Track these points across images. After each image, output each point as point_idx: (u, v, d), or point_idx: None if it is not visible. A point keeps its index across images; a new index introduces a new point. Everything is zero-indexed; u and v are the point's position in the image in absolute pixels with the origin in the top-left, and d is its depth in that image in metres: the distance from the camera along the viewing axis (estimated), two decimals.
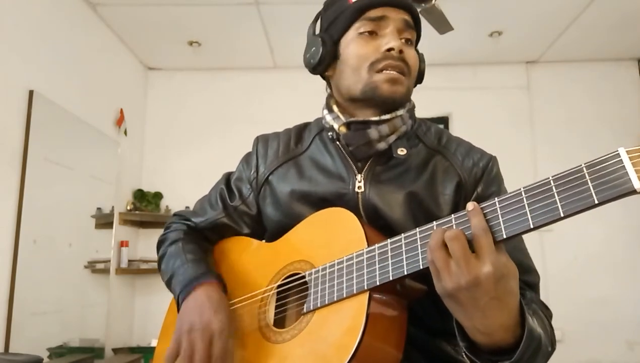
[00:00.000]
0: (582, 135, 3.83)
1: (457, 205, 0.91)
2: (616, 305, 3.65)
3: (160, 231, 1.13)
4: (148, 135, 4.07)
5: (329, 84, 1.05)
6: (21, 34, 2.55)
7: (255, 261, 0.98)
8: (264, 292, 0.91)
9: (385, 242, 0.75)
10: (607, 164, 0.56)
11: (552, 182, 0.60)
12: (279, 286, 0.89)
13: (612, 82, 3.99)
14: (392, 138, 0.93)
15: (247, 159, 1.09)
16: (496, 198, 0.65)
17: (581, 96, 3.98)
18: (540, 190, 0.61)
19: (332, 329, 0.76)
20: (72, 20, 3.03)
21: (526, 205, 0.62)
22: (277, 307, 0.89)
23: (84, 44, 3.17)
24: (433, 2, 2.54)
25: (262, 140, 1.09)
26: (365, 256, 0.77)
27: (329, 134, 0.99)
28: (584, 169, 0.58)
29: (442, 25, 2.72)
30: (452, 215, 0.69)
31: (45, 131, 2.67)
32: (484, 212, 0.65)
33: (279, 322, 0.88)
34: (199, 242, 1.05)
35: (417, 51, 1.00)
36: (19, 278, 2.43)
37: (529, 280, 0.88)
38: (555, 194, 0.60)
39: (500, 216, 0.64)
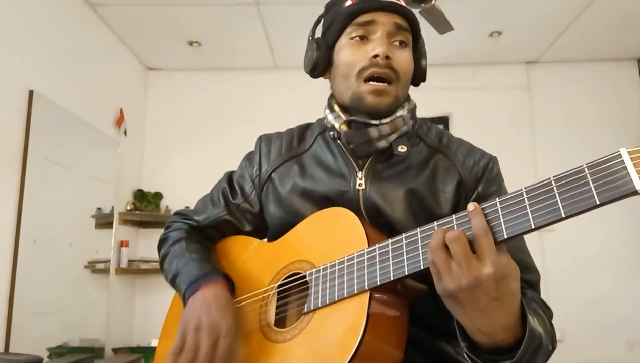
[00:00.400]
0: (582, 135, 3.83)
1: (458, 204, 0.91)
2: (616, 305, 3.65)
3: (161, 231, 1.13)
4: (148, 135, 4.07)
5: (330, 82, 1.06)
6: (21, 34, 2.55)
7: (256, 261, 0.98)
8: (265, 291, 0.91)
9: (386, 242, 0.75)
10: (608, 164, 0.56)
11: (553, 182, 0.60)
12: (280, 286, 0.89)
13: (612, 82, 3.99)
14: (393, 136, 0.94)
15: (249, 157, 1.10)
16: (497, 199, 0.65)
17: (581, 96, 3.98)
18: (541, 190, 0.61)
19: (332, 329, 0.76)
20: (72, 20, 3.03)
21: (527, 206, 0.62)
22: (277, 307, 0.89)
23: (84, 44, 3.17)
24: (433, 2, 2.54)
25: (265, 139, 1.09)
26: (366, 256, 0.77)
27: (331, 132, 1.00)
28: (586, 169, 0.58)
29: (442, 25, 2.72)
30: (453, 215, 0.69)
31: (45, 131, 2.67)
32: (485, 212, 0.65)
33: (280, 322, 0.88)
34: (202, 241, 1.05)
35: (420, 49, 1.00)
36: (19, 278, 2.43)
37: (529, 278, 0.88)
38: (557, 195, 0.60)
39: (501, 216, 0.64)
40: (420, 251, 0.70)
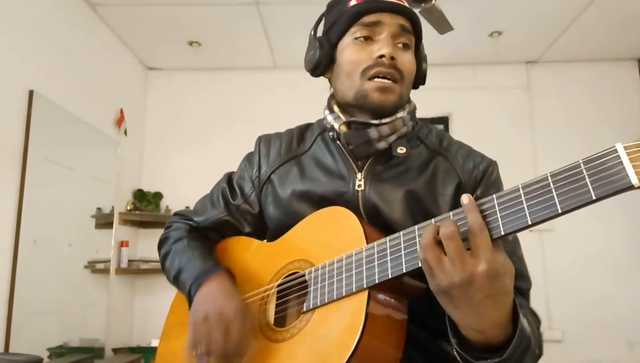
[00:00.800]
0: (582, 135, 3.83)
1: (456, 207, 0.90)
2: (616, 305, 3.65)
3: (161, 231, 1.13)
4: (148, 135, 4.07)
5: (330, 83, 1.05)
6: (21, 34, 2.56)
7: (255, 260, 0.98)
8: (264, 291, 0.91)
9: (384, 241, 0.75)
10: (604, 159, 0.56)
11: (549, 178, 0.61)
12: (279, 285, 0.90)
13: (612, 82, 3.99)
14: (392, 138, 0.94)
15: (249, 158, 1.10)
16: (494, 195, 0.65)
17: (581, 96, 3.98)
18: (538, 186, 0.61)
19: (331, 327, 0.76)
20: (72, 20, 3.03)
21: (524, 201, 0.62)
22: (277, 306, 0.89)
23: (84, 44, 3.17)
24: (433, 2, 2.54)
25: (265, 140, 1.09)
26: (364, 254, 0.77)
27: (330, 133, 1.00)
28: (582, 164, 0.58)
29: (442, 25, 2.72)
30: (450, 212, 0.69)
31: (45, 131, 2.67)
32: (482, 208, 0.65)
33: (279, 321, 0.88)
34: (202, 240, 1.05)
35: (420, 52, 1.00)
36: (19, 278, 2.43)
37: (520, 286, 0.88)
38: (553, 190, 0.60)
39: (498, 212, 0.64)
40: (418, 249, 0.70)
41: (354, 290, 0.75)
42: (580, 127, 3.88)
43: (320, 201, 0.93)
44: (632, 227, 3.74)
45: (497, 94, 4.03)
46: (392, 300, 0.77)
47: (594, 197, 0.56)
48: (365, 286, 0.74)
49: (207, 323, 0.83)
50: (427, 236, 0.66)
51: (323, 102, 1.04)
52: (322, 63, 0.99)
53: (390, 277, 0.72)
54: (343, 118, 0.97)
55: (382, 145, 0.93)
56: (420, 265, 0.69)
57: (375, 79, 0.91)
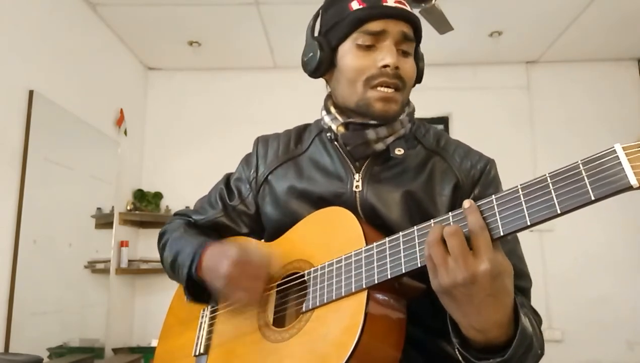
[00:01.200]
0: (582, 135, 3.83)
1: (454, 207, 0.91)
2: (616, 305, 3.65)
3: None
4: (148, 135, 4.07)
5: (328, 84, 1.05)
6: (21, 34, 2.56)
7: None
8: (264, 291, 0.91)
9: (384, 241, 0.75)
10: (603, 160, 0.56)
11: (548, 178, 0.61)
12: (279, 285, 0.90)
13: (612, 82, 3.99)
14: (390, 139, 0.94)
15: (247, 159, 1.10)
16: (493, 196, 0.65)
17: (581, 96, 3.98)
18: (537, 187, 0.61)
19: (331, 328, 0.76)
20: (72, 20, 3.03)
21: (523, 202, 0.62)
22: (276, 306, 0.89)
23: (84, 44, 3.17)
24: (433, 2, 2.54)
25: (262, 141, 1.09)
26: (363, 255, 0.77)
27: (328, 134, 1.00)
28: (581, 165, 0.58)
29: (442, 25, 2.72)
30: (450, 213, 0.69)
31: (45, 131, 2.67)
32: (481, 209, 0.65)
33: (279, 321, 0.88)
34: (201, 231, 1.06)
35: (418, 52, 0.99)
36: (19, 278, 2.44)
37: (520, 285, 0.88)
38: (552, 191, 0.60)
39: (497, 213, 0.64)
40: (417, 249, 0.70)
41: (353, 290, 0.76)
42: (580, 127, 3.88)
43: (318, 202, 0.93)
44: (632, 227, 3.74)
45: (497, 94, 4.03)
46: (391, 300, 0.77)
47: (592, 198, 0.56)
48: (364, 286, 0.74)
49: (229, 275, 0.84)
50: (435, 233, 0.66)
51: (322, 102, 1.04)
52: (322, 66, 0.97)
53: (389, 277, 0.72)
54: (340, 119, 0.97)
55: (380, 146, 0.93)
56: (419, 265, 0.70)
57: (379, 88, 0.90)
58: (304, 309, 0.82)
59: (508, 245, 0.86)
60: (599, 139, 3.74)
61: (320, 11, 1.02)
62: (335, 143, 0.99)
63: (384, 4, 0.90)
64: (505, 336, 0.67)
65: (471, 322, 0.66)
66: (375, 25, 0.90)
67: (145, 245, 3.87)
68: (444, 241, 0.65)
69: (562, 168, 0.60)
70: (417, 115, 1.02)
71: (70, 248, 2.94)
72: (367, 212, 0.91)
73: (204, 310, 1.02)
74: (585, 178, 0.57)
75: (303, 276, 0.85)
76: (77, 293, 3.04)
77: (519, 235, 0.74)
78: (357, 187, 0.93)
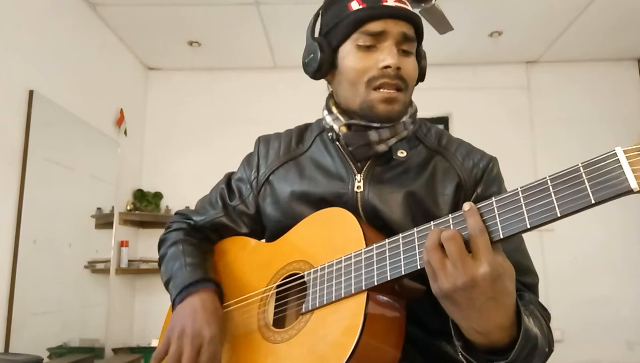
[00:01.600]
0: (582, 135, 3.83)
1: (457, 206, 0.91)
2: (616, 305, 3.65)
3: (161, 231, 1.14)
4: (148, 135, 4.08)
5: (330, 84, 1.05)
6: (21, 34, 2.56)
7: (254, 261, 0.98)
8: (264, 292, 0.91)
9: (383, 242, 0.75)
10: (604, 163, 0.56)
11: (549, 181, 0.60)
12: (278, 286, 0.89)
13: (612, 82, 3.99)
14: (393, 141, 0.93)
15: (248, 159, 1.10)
16: (493, 198, 0.65)
17: (581, 96, 3.98)
18: (537, 189, 0.61)
19: (330, 329, 0.76)
20: (72, 20, 3.04)
21: (523, 205, 0.62)
22: (276, 307, 0.89)
23: (84, 44, 3.17)
24: (433, 2, 2.54)
25: (264, 141, 1.09)
26: (363, 256, 0.77)
27: (329, 134, 0.99)
28: (581, 168, 0.58)
29: (442, 25, 2.72)
30: (450, 215, 0.69)
31: (45, 131, 2.67)
32: (481, 212, 0.65)
33: (278, 322, 0.88)
34: (199, 243, 1.05)
35: (420, 50, 0.99)
36: (19, 278, 2.44)
37: (527, 281, 0.88)
38: (552, 194, 0.59)
39: (497, 216, 0.64)
40: (417, 251, 0.70)
41: (352, 291, 0.75)
42: (580, 127, 3.88)
43: (319, 202, 0.93)
44: (632, 227, 3.74)
45: (497, 94, 4.04)
46: (390, 301, 0.77)
47: (593, 201, 0.56)
48: (363, 288, 0.74)
49: (182, 340, 0.85)
50: (432, 238, 0.66)
51: (323, 102, 1.04)
52: (323, 67, 0.96)
53: (389, 279, 0.72)
54: (342, 119, 0.96)
55: (382, 148, 0.93)
56: (419, 267, 0.69)
57: (381, 90, 0.89)
58: (303, 310, 0.82)
59: (513, 242, 0.86)
60: (598, 139, 3.74)
61: (321, 11, 1.01)
62: (337, 143, 0.98)
63: (384, 3, 0.90)
64: (508, 338, 0.67)
65: (473, 325, 0.66)
66: (375, 26, 0.89)
67: (145, 245, 3.87)
68: (442, 246, 0.65)
69: (563, 171, 0.60)
70: (417, 115, 1.02)
71: (70, 248, 2.94)
72: (368, 212, 0.91)
73: None
74: (586, 181, 0.57)
75: (303, 277, 0.85)
76: (77, 293, 3.04)
77: None
78: (358, 187, 0.92)
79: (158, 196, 3.91)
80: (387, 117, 0.91)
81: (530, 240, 0.84)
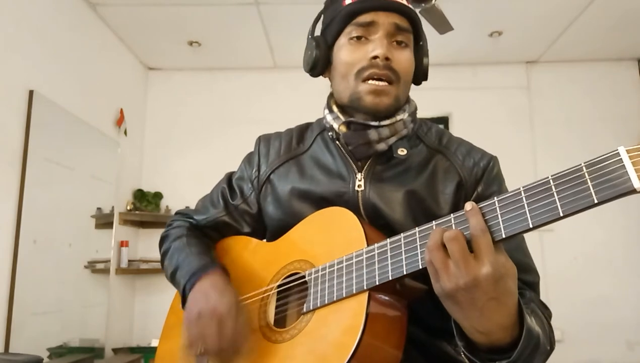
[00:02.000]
0: (582, 135, 3.83)
1: (457, 205, 0.91)
2: (616, 305, 3.65)
3: (161, 231, 1.14)
4: (148, 135, 4.07)
5: (331, 82, 1.05)
6: (21, 34, 2.55)
7: (255, 260, 0.98)
8: (264, 291, 0.91)
9: (385, 242, 0.75)
10: (606, 163, 0.56)
11: (551, 181, 0.60)
12: (279, 286, 0.89)
13: (612, 82, 3.99)
14: (393, 139, 0.93)
15: (249, 158, 1.10)
16: (495, 198, 0.65)
17: (581, 96, 3.98)
18: (539, 189, 0.61)
19: (331, 329, 0.76)
20: (72, 20, 3.03)
21: (525, 205, 0.61)
22: (277, 307, 0.89)
23: (84, 44, 3.17)
24: (433, 2, 2.54)
25: (264, 140, 1.09)
26: (364, 256, 0.77)
27: (330, 133, 1.00)
28: (584, 168, 0.58)
29: (442, 25, 2.72)
30: (451, 214, 0.68)
31: (45, 131, 2.67)
32: (483, 211, 0.65)
33: (280, 322, 0.88)
34: (202, 238, 1.06)
35: (421, 47, 0.99)
36: (19, 278, 2.44)
37: (528, 279, 0.88)
38: (555, 194, 0.59)
39: (499, 216, 0.64)
40: (419, 251, 0.70)
41: (354, 291, 0.75)
42: (580, 127, 3.88)
43: (320, 201, 0.93)
44: (632, 227, 3.74)
45: (497, 94, 4.04)
46: (392, 301, 0.77)
47: (595, 201, 0.56)
48: (365, 287, 0.74)
49: (201, 321, 0.83)
50: (435, 238, 0.65)
51: (323, 101, 1.04)
52: (319, 63, 0.98)
53: (390, 278, 0.72)
54: (342, 118, 0.96)
55: (382, 146, 0.93)
56: (420, 267, 0.69)
57: (369, 81, 0.90)
58: (304, 310, 0.82)
59: (514, 241, 0.86)
60: (599, 139, 3.74)
61: (321, 13, 1.03)
62: (337, 142, 0.98)
63: None
64: (510, 337, 0.67)
65: (475, 325, 0.66)
66: (365, 17, 0.91)
67: (145, 245, 3.87)
68: (444, 245, 0.65)
69: (565, 170, 0.59)
70: (416, 115, 1.02)
71: (70, 248, 2.94)
72: (369, 211, 0.90)
73: None
74: (589, 181, 0.57)
75: (304, 276, 0.85)
76: (77, 293, 3.04)
77: None
78: (359, 186, 0.92)
79: (158, 196, 3.91)
80: (375, 109, 0.91)
81: (530, 240, 0.84)
